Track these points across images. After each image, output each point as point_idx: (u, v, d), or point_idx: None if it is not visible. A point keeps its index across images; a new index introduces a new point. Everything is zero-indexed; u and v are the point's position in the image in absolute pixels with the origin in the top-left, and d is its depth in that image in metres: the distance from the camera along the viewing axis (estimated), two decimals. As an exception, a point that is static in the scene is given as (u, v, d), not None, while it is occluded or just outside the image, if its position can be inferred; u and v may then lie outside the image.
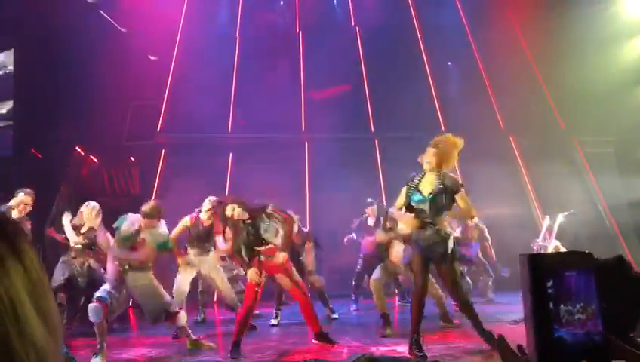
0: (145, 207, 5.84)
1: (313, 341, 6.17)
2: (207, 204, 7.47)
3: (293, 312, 7.89)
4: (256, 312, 7.95)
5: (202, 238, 7.43)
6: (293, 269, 6.17)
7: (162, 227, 6.02)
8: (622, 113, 11.88)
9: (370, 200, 9.45)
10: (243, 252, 5.88)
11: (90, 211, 7.31)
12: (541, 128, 12.75)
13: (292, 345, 6.21)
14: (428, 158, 5.47)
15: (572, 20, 12.26)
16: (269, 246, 5.89)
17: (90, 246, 7.50)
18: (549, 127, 12.81)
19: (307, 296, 6.20)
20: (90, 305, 5.63)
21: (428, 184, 5.44)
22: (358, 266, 9.19)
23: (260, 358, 5.44)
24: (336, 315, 8.28)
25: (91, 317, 5.61)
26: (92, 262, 7.58)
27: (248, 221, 5.89)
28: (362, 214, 9.51)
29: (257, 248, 5.88)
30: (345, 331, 6.92)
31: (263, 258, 5.89)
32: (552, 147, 12.54)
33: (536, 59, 13.17)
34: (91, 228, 7.43)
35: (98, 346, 5.64)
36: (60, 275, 7.32)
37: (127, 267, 5.85)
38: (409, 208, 5.47)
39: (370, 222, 9.20)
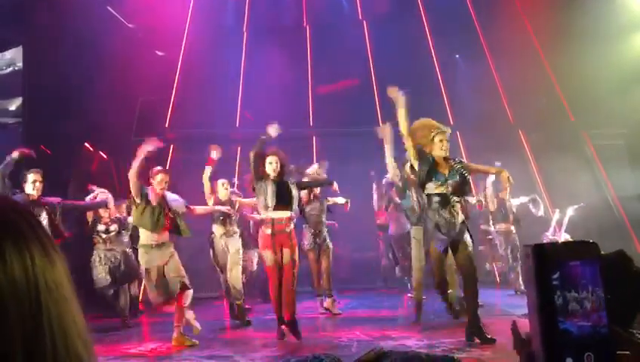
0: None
1: (283, 327, 6.11)
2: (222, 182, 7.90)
3: (304, 307, 7.89)
4: (248, 306, 7.93)
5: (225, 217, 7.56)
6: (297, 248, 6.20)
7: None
8: (632, 105, 11.76)
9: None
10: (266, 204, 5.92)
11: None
12: (550, 121, 12.64)
13: (302, 339, 6.20)
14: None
15: (581, 12, 12.14)
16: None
17: (121, 231, 7.81)
18: (558, 120, 12.70)
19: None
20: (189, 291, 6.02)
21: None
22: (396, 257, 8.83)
23: (271, 353, 5.44)
24: None
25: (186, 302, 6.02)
26: (126, 248, 7.83)
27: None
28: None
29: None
30: (354, 325, 6.91)
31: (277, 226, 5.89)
32: (562, 140, 12.42)
33: (545, 52, 13.04)
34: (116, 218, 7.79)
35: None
36: (99, 275, 7.48)
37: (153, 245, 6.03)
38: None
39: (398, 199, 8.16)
